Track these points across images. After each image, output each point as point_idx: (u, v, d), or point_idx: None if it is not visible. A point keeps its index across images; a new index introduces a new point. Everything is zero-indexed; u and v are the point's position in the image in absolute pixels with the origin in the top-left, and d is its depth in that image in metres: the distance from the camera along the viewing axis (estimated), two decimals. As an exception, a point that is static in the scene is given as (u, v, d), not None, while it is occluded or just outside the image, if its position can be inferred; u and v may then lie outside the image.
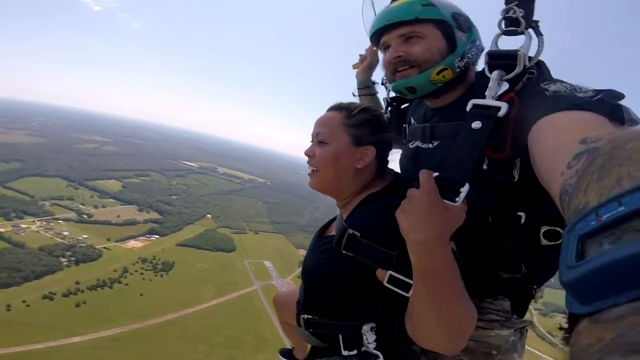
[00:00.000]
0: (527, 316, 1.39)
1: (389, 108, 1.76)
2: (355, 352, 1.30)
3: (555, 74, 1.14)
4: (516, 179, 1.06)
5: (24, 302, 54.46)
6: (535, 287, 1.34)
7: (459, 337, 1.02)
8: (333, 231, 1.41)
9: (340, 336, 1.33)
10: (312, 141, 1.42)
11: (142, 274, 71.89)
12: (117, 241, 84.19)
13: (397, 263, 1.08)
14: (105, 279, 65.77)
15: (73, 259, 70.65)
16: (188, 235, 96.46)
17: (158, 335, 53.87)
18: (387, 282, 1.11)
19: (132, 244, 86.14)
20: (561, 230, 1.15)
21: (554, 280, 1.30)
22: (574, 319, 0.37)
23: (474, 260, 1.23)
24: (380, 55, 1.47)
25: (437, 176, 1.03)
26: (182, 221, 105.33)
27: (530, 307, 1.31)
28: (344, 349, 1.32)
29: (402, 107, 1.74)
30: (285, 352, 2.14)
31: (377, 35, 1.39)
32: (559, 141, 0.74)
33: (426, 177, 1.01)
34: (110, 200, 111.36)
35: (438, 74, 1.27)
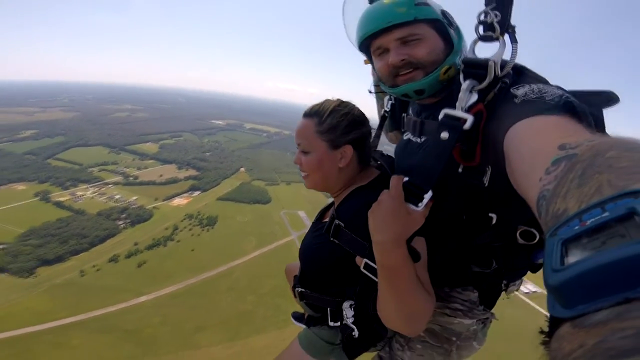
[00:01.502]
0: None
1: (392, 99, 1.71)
2: (338, 323, 1.46)
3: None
4: (486, 185, 1.06)
5: (94, 266, 57.92)
6: (505, 282, 1.36)
7: (415, 321, 1.10)
8: (328, 218, 1.48)
9: (328, 309, 1.48)
10: (297, 149, 1.46)
11: (190, 230, 74.50)
12: (163, 200, 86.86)
13: (371, 252, 1.11)
14: (160, 238, 68.61)
15: (128, 220, 73.78)
16: (226, 189, 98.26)
17: (211, 289, 56.56)
18: (363, 268, 1.17)
19: (177, 201, 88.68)
20: (535, 232, 1.17)
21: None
22: (555, 323, 0.36)
23: (447, 254, 1.28)
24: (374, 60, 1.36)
25: (405, 181, 1.05)
26: (219, 176, 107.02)
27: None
28: (330, 320, 1.48)
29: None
30: (297, 316, 2.06)
31: (370, 39, 1.27)
32: (536, 146, 0.71)
33: (394, 183, 1.05)
34: (151, 161, 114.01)
35: (445, 73, 1.20)
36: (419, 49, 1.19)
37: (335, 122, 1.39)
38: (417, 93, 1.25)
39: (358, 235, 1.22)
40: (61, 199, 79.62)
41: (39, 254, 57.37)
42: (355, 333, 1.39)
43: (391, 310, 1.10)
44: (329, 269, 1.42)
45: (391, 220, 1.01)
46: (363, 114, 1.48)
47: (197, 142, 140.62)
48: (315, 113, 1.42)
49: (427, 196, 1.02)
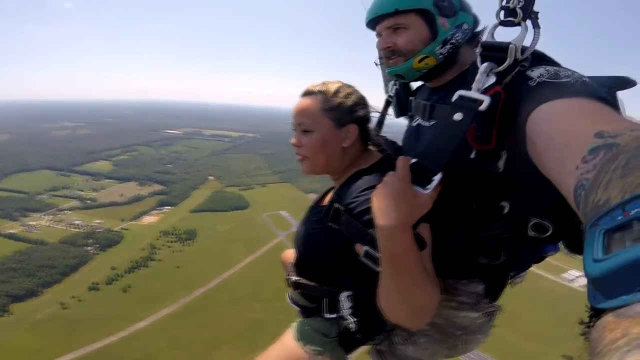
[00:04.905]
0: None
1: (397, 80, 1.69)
2: (335, 315, 1.38)
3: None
4: (501, 170, 1.02)
5: (74, 297, 51.35)
6: (512, 274, 1.35)
7: (420, 314, 1.06)
8: (327, 201, 1.43)
9: (324, 300, 1.41)
10: (294, 129, 1.41)
11: (170, 246, 68.68)
12: (131, 220, 79.75)
13: (372, 240, 1.07)
14: (138, 259, 62.34)
15: (97, 245, 66.58)
16: (198, 200, 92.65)
17: (210, 303, 52.21)
18: (363, 257, 1.13)
19: (147, 219, 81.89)
20: (548, 224, 1.14)
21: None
22: (596, 313, 0.35)
23: (457, 244, 1.23)
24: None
25: (413, 162, 1.02)
26: (188, 187, 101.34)
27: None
28: (326, 312, 1.40)
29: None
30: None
31: (372, 25, 1.36)
32: (569, 131, 0.69)
33: (401, 164, 1.01)
34: (107, 180, 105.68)
35: (420, 62, 1.26)
36: (400, 38, 1.26)
37: (341, 100, 1.36)
38: (398, 77, 1.36)
39: (359, 221, 1.16)
40: (13, 230, 70.15)
41: (6, 290, 50.22)
42: (353, 326, 1.32)
43: (395, 302, 1.05)
44: (326, 256, 1.36)
45: (397, 203, 0.96)
46: (364, 96, 1.47)
47: (155, 155, 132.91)
48: (319, 91, 1.38)
49: (436, 178, 0.98)
